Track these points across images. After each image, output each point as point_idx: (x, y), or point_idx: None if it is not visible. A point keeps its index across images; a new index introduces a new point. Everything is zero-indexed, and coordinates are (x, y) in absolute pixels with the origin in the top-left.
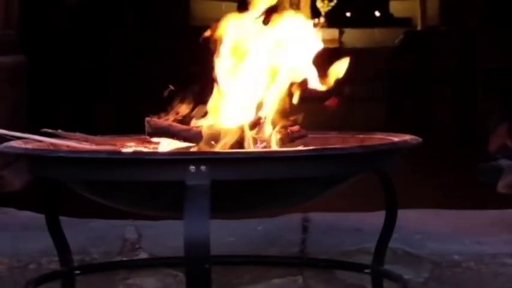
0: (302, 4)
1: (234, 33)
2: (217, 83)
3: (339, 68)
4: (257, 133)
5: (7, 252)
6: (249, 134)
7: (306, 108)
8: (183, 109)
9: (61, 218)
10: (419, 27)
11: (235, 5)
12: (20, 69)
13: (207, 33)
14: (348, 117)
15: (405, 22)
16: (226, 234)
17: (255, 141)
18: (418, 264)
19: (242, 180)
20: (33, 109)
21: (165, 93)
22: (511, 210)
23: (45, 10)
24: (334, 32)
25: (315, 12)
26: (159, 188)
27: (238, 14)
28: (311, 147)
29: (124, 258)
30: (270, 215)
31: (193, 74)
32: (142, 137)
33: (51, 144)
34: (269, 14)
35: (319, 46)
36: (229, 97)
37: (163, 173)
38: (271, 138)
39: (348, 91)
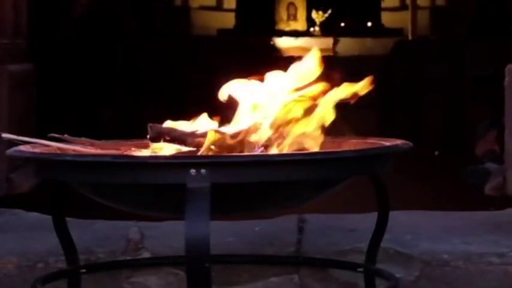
0: (298, 15)
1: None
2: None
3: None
4: (255, 138)
5: (16, 252)
6: (248, 139)
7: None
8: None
9: (67, 219)
10: (410, 37)
11: (233, 14)
12: (28, 76)
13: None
14: (342, 122)
15: (396, 32)
16: (226, 235)
17: (254, 145)
18: (409, 263)
19: (241, 183)
20: (41, 115)
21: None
22: (498, 212)
23: (53, 20)
24: (328, 41)
25: (310, 23)
26: (161, 190)
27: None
28: (306, 151)
29: (128, 258)
30: (268, 216)
31: (194, 81)
32: (145, 141)
33: (58, 148)
34: None
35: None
36: (228, 104)
37: (165, 176)
38: (269, 143)
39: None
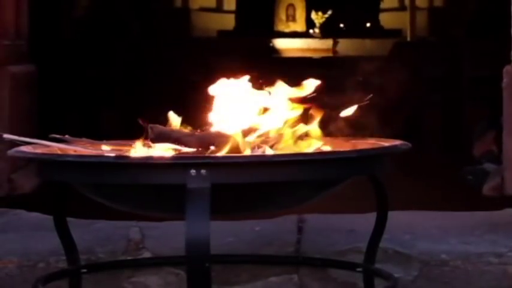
0: (297, 16)
1: None
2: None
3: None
4: (255, 139)
5: (17, 252)
6: (247, 140)
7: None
8: None
9: (68, 219)
10: (409, 38)
11: (233, 15)
12: (30, 77)
13: None
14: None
15: (395, 33)
16: (226, 235)
17: (253, 146)
18: (408, 263)
19: (241, 184)
20: (42, 116)
21: None
22: (496, 212)
23: (54, 22)
24: (328, 42)
25: (310, 24)
26: (162, 190)
27: None
28: (306, 152)
29: (128, 258)
30: (267, 216)
31: (194, 82)
32: (146, 142)
33: (59, 149)
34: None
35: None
36: (228, 107)
37: (166, 177)
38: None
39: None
